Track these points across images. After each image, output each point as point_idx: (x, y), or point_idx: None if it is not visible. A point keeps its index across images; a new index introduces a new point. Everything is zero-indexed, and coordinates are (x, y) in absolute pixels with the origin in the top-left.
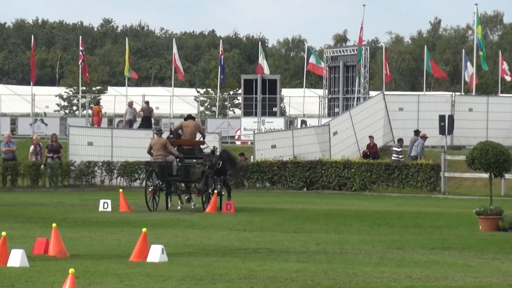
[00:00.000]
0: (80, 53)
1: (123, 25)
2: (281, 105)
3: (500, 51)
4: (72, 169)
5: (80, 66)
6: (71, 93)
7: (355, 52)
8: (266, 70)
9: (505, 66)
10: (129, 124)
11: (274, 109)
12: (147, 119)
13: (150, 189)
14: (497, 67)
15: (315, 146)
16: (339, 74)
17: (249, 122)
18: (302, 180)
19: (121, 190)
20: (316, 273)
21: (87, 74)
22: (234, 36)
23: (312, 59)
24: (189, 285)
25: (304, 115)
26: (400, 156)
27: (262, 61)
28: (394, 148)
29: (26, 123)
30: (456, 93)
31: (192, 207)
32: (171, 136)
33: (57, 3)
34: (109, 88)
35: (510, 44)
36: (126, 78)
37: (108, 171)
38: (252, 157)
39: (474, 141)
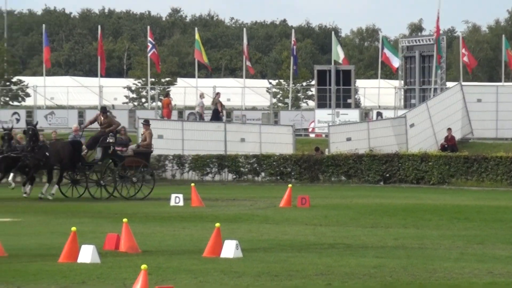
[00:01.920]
0: (149, 43)
1: (192, 15)
2: (356, 96)
3: None
4: None
5: (149, 56)
6: (139, 84)
7: (431, 42)
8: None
9: None
10: (199, 116)
11: (349, 100)
12: (217, 112)
13: None
14: None
15: (392, 138)
16: (415, 64)
17: (323, 114)
18: (378, 174)
19: (192, 184)
20: (395, 269)
21: (158, 66)
22: (306, 26)
23: (387, 51)
24: (264, 281)
25: (379, 106)
26: None
27: (340, 51)
28: None
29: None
30: None
31: None
32: None
33: None
34: (179, 79)
35: None
36: (196, 69)
37: (179, 164)
38: (326, 150)
39: None
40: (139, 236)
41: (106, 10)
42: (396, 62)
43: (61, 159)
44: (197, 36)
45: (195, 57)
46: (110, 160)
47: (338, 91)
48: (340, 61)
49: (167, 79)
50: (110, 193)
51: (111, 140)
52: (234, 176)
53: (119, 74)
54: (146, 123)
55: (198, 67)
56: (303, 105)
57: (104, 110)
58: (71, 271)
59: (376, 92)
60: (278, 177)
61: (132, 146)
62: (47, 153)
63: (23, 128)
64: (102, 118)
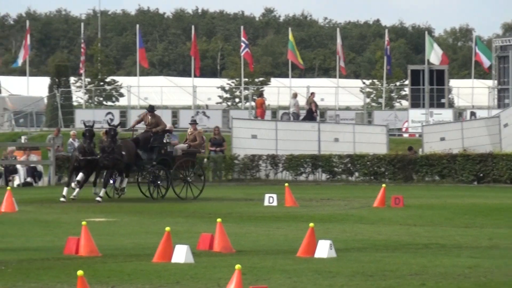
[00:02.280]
0: (242, 43)
1: (285, 15)
2: (449, 96)
3: None
4: (236, 163)
5: (242, 56)
6: (233, 84)
7: None
8: (437, 60)
9: None
10: (295, 116)
11: (442, 100)
12: (311, 111)
13: None
14: None
15: (485, 138)
16: (508, 64)
17: (416, 114)
18: (472, 174)
19: (286, 184)
20: (490, 269)
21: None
22: (400, 26)
23: (480, 52)
24: (358, 281)
25: (473, 106)
26: None
27: (433, 51)
28: None
29: (188, 116)
30: None
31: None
32: None
33: None
34: (272, 79)
35: None
36: (290, 69)
37: (273, 164)
38: (420, 150)
39: None
40: (233, 236)
41: (199, 10)
42: (486, 62)
43: (132, 158)
44: (290, 36)
45: (288, 57)
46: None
47: (431, 91)
48: (438, 61)
49: (261, 79)
50: (163, 194)
51: (167, 140)
52: (328, 176)
53: (213, 74)
54: (194, 122)
55: (292, 67)
56: (397, 105)
57: (152, 109)
58: (166, 271)
59: (469, 92)
60: (372, 177)
61: (182, 146)
62: (123, 152)
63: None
64: (150, 117)
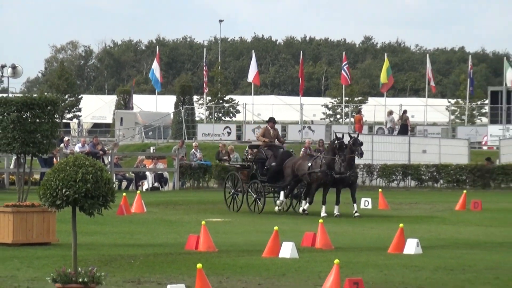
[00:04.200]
0: (344, 67)
1: (382, 42)
2: None
3: None
4: None
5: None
6: (335, 103)
7: None
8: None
9: None
10: (391, 131)
11: None
12: (404, 127)
13: None
14: None
15: None
16: None
17: (495, 129)
18: None
19: (380, 190)
20: None
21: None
22: (481, 52)
23: None
24: (441, 275)
25: None
26: None
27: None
28: None
29: (295, 130)
30: None
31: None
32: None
33: (324, 23)
34: (369, 98)
35: None
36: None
37: (368, 172)
38: (497, 160)
39: None
40: (332, 234)
41: (307, 38)
42: None
43: None
44: (386, 62)
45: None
46: None
47: (509, 109)
48: (509, 81)
49: (359, 98)
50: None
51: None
52: (416, 183)
53: (318, 93)
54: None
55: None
56: (478, 121)
57: (275, 121)
58: (273, 264)
59: None
60: (455, 184)
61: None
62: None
63: (233, 140)
64: (272, 130)
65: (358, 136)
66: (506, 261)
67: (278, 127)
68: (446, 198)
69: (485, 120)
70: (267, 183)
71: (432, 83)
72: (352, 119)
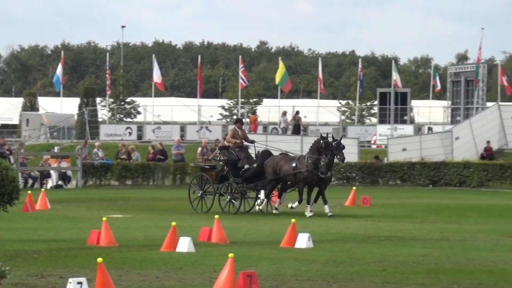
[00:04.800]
0: (240, 70)
1: (276, 46)
2: (411, 114)
3: None
4: None
5: (239, 81)
6: (231, 104)
7: (474, 69)
8: (399, 84)
9: None
10: (284, 131)
11: (405, 117)
12: (297, 127)
13: None
14: None
15: (440, 149)
16: (460, 87)
17: (383, 129)
18: (428, 178)
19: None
20: (439, 257)
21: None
22: (371, 55)
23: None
24: (331, 267)
25: (430, 122)
26: None
27: (397, 77)
28: None
29: (193, 130)
30: None
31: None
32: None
33: (220, 28)
34: (264, 100)
35: None
36: (279, 92)
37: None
38: (385, 158)
39: None
40: (227, 229)
41: (205, 43)
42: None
43: None
44: (281, 65)
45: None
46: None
47: (396, 109)
48: (393, 84)
49: (254, 99)
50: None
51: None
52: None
53: (215, 95)
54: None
55: (281, 89)
56: (367, 121)
57: (242, 121)
58: (171, 258)
59: (427, 110)
60: (345, 181)
61: None
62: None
63: (134, 140)
64: (240, 131)
65: (341, 139)
66: (393, 254)
67: (176, 128)
68: (336, 195)
69: (374, 120)
70: (243, 184)
71: (322, 86)
72: (248, 120)
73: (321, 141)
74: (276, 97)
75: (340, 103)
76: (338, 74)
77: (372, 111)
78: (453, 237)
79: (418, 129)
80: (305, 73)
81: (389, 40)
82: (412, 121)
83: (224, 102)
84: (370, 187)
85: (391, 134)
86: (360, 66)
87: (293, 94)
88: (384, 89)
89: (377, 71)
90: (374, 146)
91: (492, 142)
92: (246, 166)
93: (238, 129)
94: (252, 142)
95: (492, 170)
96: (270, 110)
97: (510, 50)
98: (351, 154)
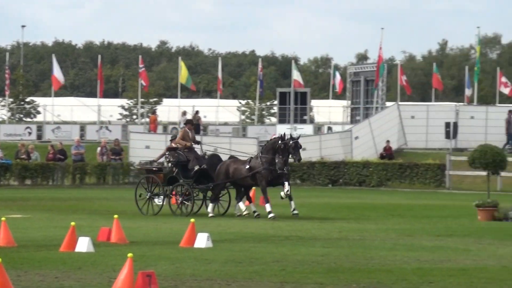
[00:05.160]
0: (140, 70)
1: (176, 46)
2: (311, 114)
3: (498, 68)
4: (131, 169)
5: (140, 81)
6: (131, 104)
7: (374, 69)
8: (301, 82)
9: (504, 79)
10: None
11: (305, 117)
12: (197, 127)
13: None
14: (495, 82)
15: (339, 148)
16: (360, 87)
17: (283, 129)
18: (327, 178)
19: None
20: (339, 256)
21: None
22: (271, 55)
23: (337, 77)
24: (230, 267)
25: (330, 122)
26: None
27: (298, 76)
28: None
29: (93, 130)
30: (460, 103)
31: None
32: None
33: (121, 27)
34: (164, 99)
35: (507, 61)
36: (179, 91)
37: None
38: None
39: (474, 144)
40: (127, 229)
41: (105, 42)
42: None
43: None
44: (182, 65)
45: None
46: None
47: (296, 109)
48: (292, 84)
49: (155, 99)
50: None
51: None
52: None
53: (115, 95)
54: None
55: (181, 89)
56: (267, 121)
57: (192, 123)
58: (70, 258)
59: (327, 110)
60: None
61: None
62: None
63: (34, 140)
64: (190, 132)
65: (298, 138)
66: (292, 253)
67: (76, 127)
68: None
69: (274, 120)
70: (195, 185)
71: (221, 86)
72: (147, 119)
73: (279, 142)
74: (176, 97)
75: (240, 102)
76: (238, 74)
77: (272, 111)
78: (352, 236)
79: (318, 129)
80: (205, 73)
81: (289, 40)
82: (311, 121)
83: (124, 102)
84: (269, 187)
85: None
86: (260, 66)
87: (193, 93)
88: (284, 89)
89: (277, 71)
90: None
91: (391, 141)
92: (196, 167)
93: (188, 131)
94: (199, 143)
95: (391, 169)
96: (170, 110)
97: (410, 50)
98: (251, 154)
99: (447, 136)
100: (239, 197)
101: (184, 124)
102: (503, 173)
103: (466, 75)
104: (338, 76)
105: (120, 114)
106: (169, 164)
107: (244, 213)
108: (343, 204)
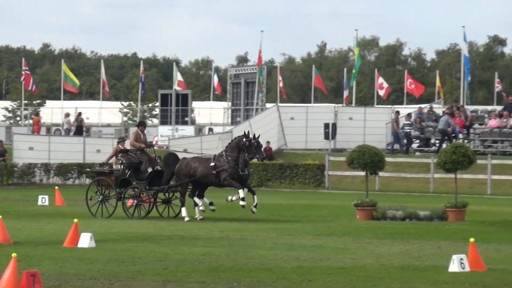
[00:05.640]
0: (23, 72)
1: (59, 48)
2: (192, 115)
3: (376, 70)
4: (15, 170)
5: (22, 83)
6: (15, 106)
7: (254, 71)
8: (184, 85)
9: (381, 80)
10: (67, 132)
11: (186, 118)
12: (80, 128)
13: None
14: (373, 83)
15: (218, 149)
16: (240, 89)
17: (165, 130)
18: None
19: (56, 187)
20: (220, 256)
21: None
22: (153, 57)
23: (215, 79)
24: (113, 266)
25: (211, 123)
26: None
27: (179, 78)
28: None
29: None
30: (339, 105)
31: None
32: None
33: (3, 29)
34: (48, 101)
35: (384, 63)
36: (62, 93)
37: (46, 171)
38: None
39: (353, 144)
40: (11, 230)
41: None
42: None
43: None
44: (64, 67)
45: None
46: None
47: (177, 111)
48: (177, 85)
49: (38, 101)
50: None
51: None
52: (91, 181)
53: None
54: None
55: (64, 91)
56: (149, 122)
57: (145, 124)
58: None
59: (208, 111)
60: None
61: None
62: None
63: None
64: (142, 134)
65: (258, 137)
66: (174, 252)
67: None
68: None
69: (156, 121)
70: (151, 187)
71: (106, 88)
72: (31, 121)
73: (244, 139)
74: (59, 99)
75: (122, 104)
76: (120, 76)
77: (154, 112)
78: (234, 235)
79: (199, 130)
80: (88, 75)
81: (171, 43)
82: (193, 122)
83: (7, 103)
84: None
85: (172, 135)
86: (141, 68)
87: (75, 95)
88: (166, 91)
89: (159, 73)
90: (156, 147)
91: (271, 142)
92: (150, 169)
93: (140, 132)
94: (151, 145)
95: (271, 170)
96: (53, 111)
97: (289, 53)
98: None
99: (326, 137)
100: (193, 193)
101: (137, 126)
102: (381, 173)
103: (344, 77)
104: (216, 78)
105: (4, 116)
106: (121, 166)
107: (201, 208)
108: (224, 204)
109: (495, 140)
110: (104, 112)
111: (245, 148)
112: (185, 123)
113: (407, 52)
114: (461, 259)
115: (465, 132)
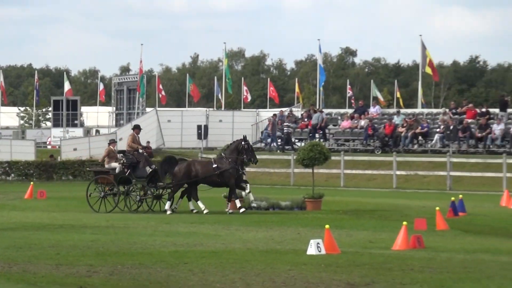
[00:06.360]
0: None
1: None
2: (81, 118)
3: (243, 78)
4: None
5: None
6: None
7: (136, 79)
8: (71, 93)
9: (245, 88)
10: None
11: (76, 121)
12: None
13: None
14: (240, 90)
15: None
16: (123, 95)
17: (57, 132)
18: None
19: None
20: (106, 242)
21: None
22: (46, 68)
23: (101, 86)
24: (11, 252)
25: (98, 126)
26: None
27: (69, 86)
28: None
29: None
30: (210, 109)
31: None
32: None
33: None
34: None
35: (250, 72)
36: None
37: None
38: (59, 157)
39: (223, 143)
40: None
41: None
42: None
43: None
44: None
45: None
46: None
47: (68, 115)
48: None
49: None
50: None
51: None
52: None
53: None
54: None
55: None
56: (43, 125)
57: (140, 127)
58: None
59: (95, 115)
60: (24, 177)
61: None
62: None
63: None
64: (137, 137)
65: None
66: (66, 239)
67: None
68: (16, 189)
69: (49, 124)
70: (150, 185)
71: (4, 96)
72: None
73: (243, 143)
74: None
75: (19, 109)
76: (17, 84)
77: (47, 116)
78: (118, 224)
79: (87, 132)
80: None
81: (62, 54)
82: (82, 125)
83: None
84: (46, 182)
85: (63, 136)
86: (36, 77)
87: None
88: (57, 97)
89: (51, 82)
90: (49, 147)
91: (151, 142)
92: (148, 169)
93: (136, 135)
94: (147, 147)
95: None
96: None
97: (167, 63)
98: (29, 153)
99: (199, 137)
100: (191, 196)
101: (133, 129)
102: (247, 169)
103: (215, 84)
104: (102, 86)
105: None
106: (122, 166)
107: (205, 211)
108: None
109: (347, 139)
110: (3, 116)
111: (243, 150)
112: (75, 125)
113: (270, 62)
114: (318, 243)
115: (321, 132)
